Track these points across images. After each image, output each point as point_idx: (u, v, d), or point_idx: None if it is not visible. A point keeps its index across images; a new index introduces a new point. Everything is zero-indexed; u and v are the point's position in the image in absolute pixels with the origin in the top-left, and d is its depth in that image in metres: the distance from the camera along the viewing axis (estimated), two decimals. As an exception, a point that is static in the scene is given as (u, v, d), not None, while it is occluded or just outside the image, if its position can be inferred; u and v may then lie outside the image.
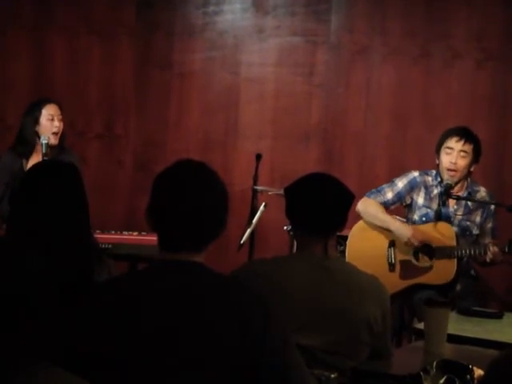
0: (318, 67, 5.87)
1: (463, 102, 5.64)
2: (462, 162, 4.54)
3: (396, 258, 4.55)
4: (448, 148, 4.55)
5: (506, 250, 4.32)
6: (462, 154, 4.54)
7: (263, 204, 4.86)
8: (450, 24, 5.64)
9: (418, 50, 5.69)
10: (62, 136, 5.04)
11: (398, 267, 4.54)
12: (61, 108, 5.04)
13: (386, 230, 4.57)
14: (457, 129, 4.63)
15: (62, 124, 5.00)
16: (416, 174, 4.69)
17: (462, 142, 4.53)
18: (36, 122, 4.95)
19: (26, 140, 4.98)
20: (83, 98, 6.07)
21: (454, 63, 5.65)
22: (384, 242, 4.58)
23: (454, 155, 4.54)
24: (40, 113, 4.96)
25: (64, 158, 4.70)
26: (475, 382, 2.35)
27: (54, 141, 4.94)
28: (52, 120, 4.95)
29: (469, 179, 4.64)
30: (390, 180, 4.76)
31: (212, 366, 2.01)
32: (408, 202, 4.68)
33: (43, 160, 4.67)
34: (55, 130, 4.95)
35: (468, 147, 4.54)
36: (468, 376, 2.36)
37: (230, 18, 5.97)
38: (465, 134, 4.57)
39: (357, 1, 5.79)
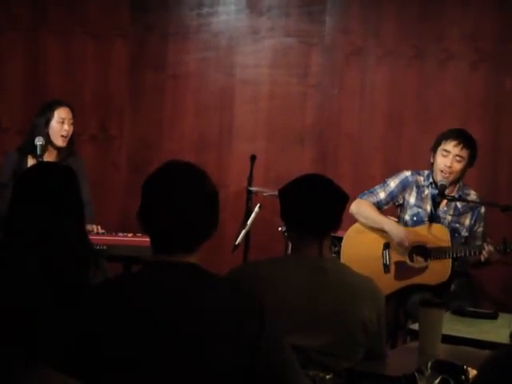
0: (312, 68, 5.87)
1: (457, 103, 5.65)
2: (457, 166, 4.54)
3: (391, 259, 4.56)
4: (445, 151, 4.54)
5: (501, 248, 4.34)
6: (458, 158, 4.53)
7: (258, 205, 4.86)
8: (444, 25, 5.65)
9: (412, 52, 5.69)
10: (71, 140, 5.04)
11: (393, 268, 4.55)
12: (73, 112, 5.04)
13: (380, 233, 4.57)
14: (456, 132, 4.60)
15: (71, 128, 5.01)
16: (408, 173, 4.70)
17: (459, 147, 4.52)
18: (47, 123, 4.95)
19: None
20: (77, 99, 6.04)
21: (448, 64, 5.66)
22: (379, 244, 4.58)
23: (449, 158, 4.53)
24: (52, 115, 4.96)
25: (70, 162, 4.70)
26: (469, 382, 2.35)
27: (61, 143, 4.95)
28: (62, 123, 4.95)
29: (460, 182, 4.65)
30: (383, 181, 4.76)
31: (210, 366, 2.01)
32: (400, 201, 4.69)
33: (38, 162, 4.67)
34: (64, 133, 4.95)
35: (465, 152, 4.53)
36: (463, 376, 2.36)
37: (225, 20, 5.97)
38: (464, 139, 4.54)
39: (351, 2, 5.80)
